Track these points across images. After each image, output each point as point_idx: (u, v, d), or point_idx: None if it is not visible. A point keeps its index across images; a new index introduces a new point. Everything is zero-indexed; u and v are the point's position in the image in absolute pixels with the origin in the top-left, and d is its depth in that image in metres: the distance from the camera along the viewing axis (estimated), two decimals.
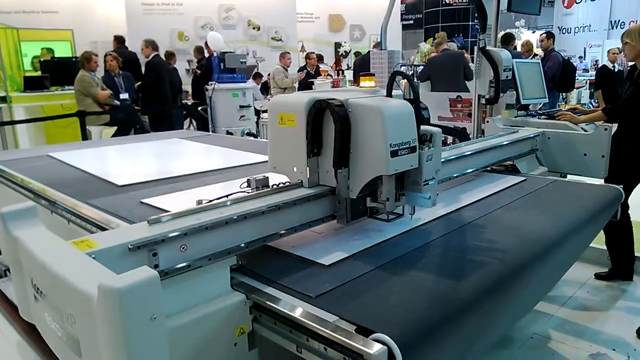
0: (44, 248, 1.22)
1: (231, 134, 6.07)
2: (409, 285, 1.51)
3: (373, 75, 2.21)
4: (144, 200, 2.10)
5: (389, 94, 1.85)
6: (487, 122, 3.56)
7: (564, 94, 9.80)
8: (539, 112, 3.87)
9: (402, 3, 18.52)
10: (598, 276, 3.46)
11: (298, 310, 1.33)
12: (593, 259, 3.57)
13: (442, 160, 2.34)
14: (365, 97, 1.77)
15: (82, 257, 1.19)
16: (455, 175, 2.54)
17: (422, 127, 1.78)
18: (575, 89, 11.03)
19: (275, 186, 1.83)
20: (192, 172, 2.66)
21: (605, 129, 3.06)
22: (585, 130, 3.26)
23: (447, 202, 2.30)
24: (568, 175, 3.30)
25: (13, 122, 6.73)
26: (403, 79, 2.00)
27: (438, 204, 2.21)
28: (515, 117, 3.61)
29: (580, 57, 18.76)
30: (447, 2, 20.12)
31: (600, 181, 3.01)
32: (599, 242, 3.28)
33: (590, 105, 11.04)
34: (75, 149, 3.66)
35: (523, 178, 2.79)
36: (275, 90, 8.53)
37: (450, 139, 2.94)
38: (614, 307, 3.12)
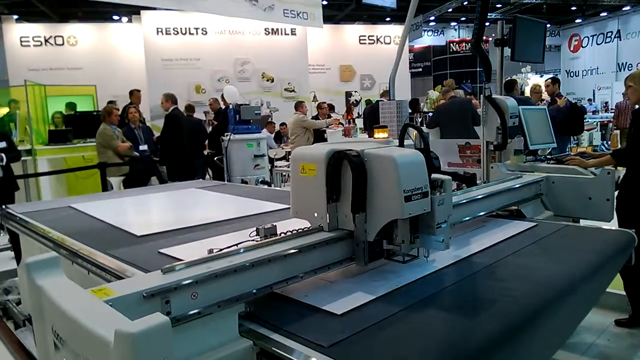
0: (65, 296, 1.28)
1: (246, 182, 6.18)
2: (422, 334, 1.51)
3: (386, 127, 2.36)
4: (162, 251, 2.13)
5: (401, 144, 1.95)
6: (492, 167, 3.62)
7: (574, 137, 9.85)
8: (548, 157, 3.91)
9: (410, 52, 19.02)
10: (619, 323, 3.34)
11: None
12: (613, 304, 3.46)
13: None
14: (380, 148, 1.88)
15: (100, 304, 1.26)
16: (460, 220, 2.57)
17: (434, 175, 1.88)
18: (586, 131, 11.09)
19: (283, 233, 1.89)
20: (209, 221, 2.70)
21: (609, 173, 3.08)
22: (595, 175, 3.28)
23: (459, 248, 2.31)
24: (581, 221, 3.29)
25: (37, 175, 6.97)
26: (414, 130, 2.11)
27: (451, 251, 2.21)
28: (524, 162, 3.66)
29: (589, 100, 18.89)
30: (454, 50, 20.66)
31: (611, 225, 3.01)
32: (618, 287, 3.22)
33: (603, 148, 11.04)
34: (96, 199, 3.75)
35: (534, 224, 2.77)
36: (298, 138, 8.58)
37: (454, 185, 3.01)
38: (636, 356, 3.00)
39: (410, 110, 9.59)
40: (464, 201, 2.60)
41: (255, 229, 1.95)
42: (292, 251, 1.74)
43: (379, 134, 2.12)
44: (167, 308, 1.40)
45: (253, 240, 1.86)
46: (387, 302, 1.72)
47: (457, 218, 2.52)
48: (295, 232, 1.90)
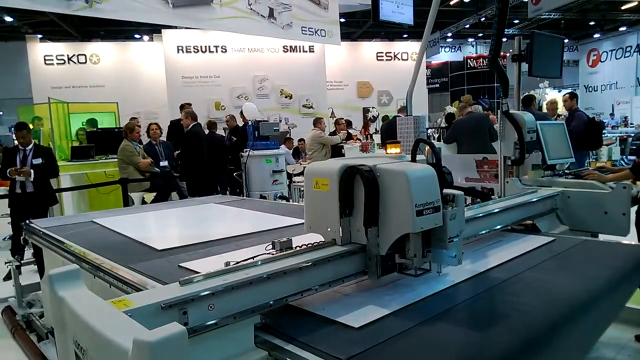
0: (86, 307, 1.33)
1: (265, 197, 6.23)
2: (438, 349, 1.51)
3: (399, 142, 2.40)
4: (183, 264, 2.17)
5: (413, 159, 1.97)
6: (507, 182, 3.62)
7: (593, 152, 9.74)
8: (566, 171, 3.88)
9: (427, 68, 19.06)
10: (639, 338, 3.31)
11: None
12: (633, 320, 3.40)
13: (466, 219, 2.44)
14: (392, 163, 1.90)
15: (119, 315, 1.30)
16: (475, 234, 2.59)
17: (446, 190, 1.89)
18: (605, 146, 10.96)
19: (298, 247, 1.93)
20: (228, 235, 2.74)
21: (624, 187, 3.08)
22: (611, 188, 3.26)
23: (475, 263, 2.31)
24: (600, 235, 3.26)
25: (60, 190, 7.10)
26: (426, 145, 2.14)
27: (467, 265, 2.24)
28: (542, 177, 3.64)
29: (611, 115, 18.66)
30: (472, 65, 20.66)
31: (630, 240, 2.97)
32: (639, 302, 3.17)
33: (622, 162, 10.88)
34: (118, 214, 3.83)
35: (552, 238, 2.76)
36: (315, 153, 8.63)
37: (469, 200, 3.05)
38: None
39: (446, 124, 9.62)
40: (479, 215, 2.62)
41: (271, 242, 1.99)
42: (307, 264, 1.77)
43: (392, 149, 2.17)
44: (185, 319, 1.44)
45: (269, 253, 1.90)
46: (403, 316, 1.73)
47: (471, 232, 2.54)
48: (310, 245, 1.93)
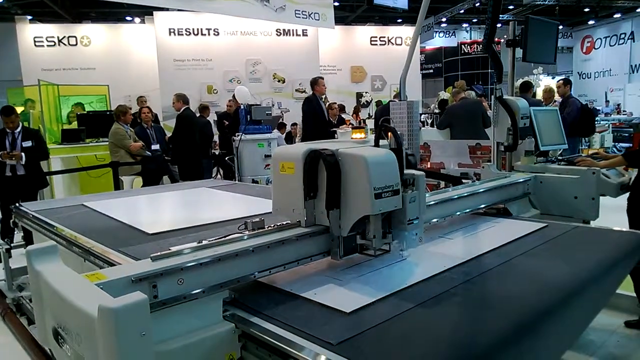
0: (60, 280, 1.40)
1: (257, 182, 6.21)
2: (429, 334, 1.52)
3: (363, 128, 2.48)
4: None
5: (377, 144, 2.01)
6: (483, 167, 3.66)
7: (586, 138, 9.79)
8: (559, 158, 3.89)
9: (421, 53, 18.98)
10: (628, 324, 3.33)
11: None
12: (623, 306, 3.45)
13: (434, 202, 2.52)
14: (354, 147, 1.95)
15: (91, 287, 1.36)
16: (444, 216, 2.66)
17: (407, 171, 1.96)
18: (598, 133, 11.00)
19: (270, 227, 1.98)
20: (220, 219, 2.71)
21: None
22: (607, 177, 3.27)
23: (468, 248, 2.32)
24: (591, 222, 3.28)
25: (51, 173, 7.04)
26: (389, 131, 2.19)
27: (460, 250, 2.27)
28: (535, 163, 3.66)
29: (606, 102, 18.72)
30: (466, 51, 20.60)
31: (622, 227, 2.99)
32: (629, 288, 3.20)
33: (614, 150, 10.94)
34: (109, 198, 3.79)
35: (544, 224, 2.77)
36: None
37: (443, 184, 3.12)
38: None
39: (439, 110, 9.62)
40: (451, 198, 2.69)
41: (243, 223, 2.05)
42: (273, 243, 1.85)
43: (356, 135, 2.23)
44: (155, 292, 1.51)
45: (241, 233, 1.96)
46: (395, 300, 1.73)
47: (441, 214, 2.64)
48: (276, 226, 2.00)
